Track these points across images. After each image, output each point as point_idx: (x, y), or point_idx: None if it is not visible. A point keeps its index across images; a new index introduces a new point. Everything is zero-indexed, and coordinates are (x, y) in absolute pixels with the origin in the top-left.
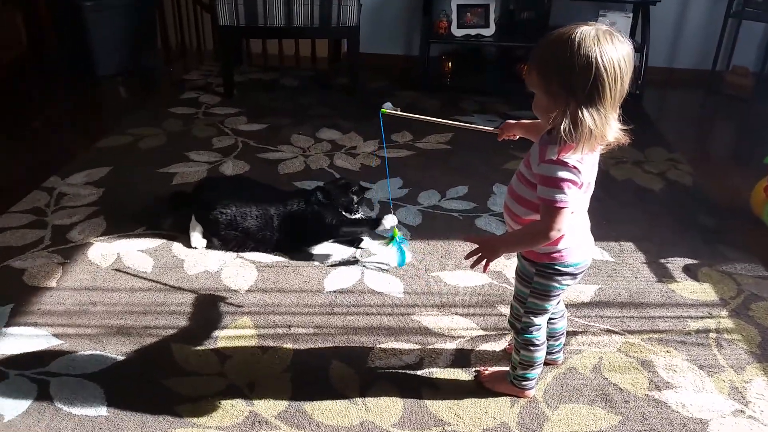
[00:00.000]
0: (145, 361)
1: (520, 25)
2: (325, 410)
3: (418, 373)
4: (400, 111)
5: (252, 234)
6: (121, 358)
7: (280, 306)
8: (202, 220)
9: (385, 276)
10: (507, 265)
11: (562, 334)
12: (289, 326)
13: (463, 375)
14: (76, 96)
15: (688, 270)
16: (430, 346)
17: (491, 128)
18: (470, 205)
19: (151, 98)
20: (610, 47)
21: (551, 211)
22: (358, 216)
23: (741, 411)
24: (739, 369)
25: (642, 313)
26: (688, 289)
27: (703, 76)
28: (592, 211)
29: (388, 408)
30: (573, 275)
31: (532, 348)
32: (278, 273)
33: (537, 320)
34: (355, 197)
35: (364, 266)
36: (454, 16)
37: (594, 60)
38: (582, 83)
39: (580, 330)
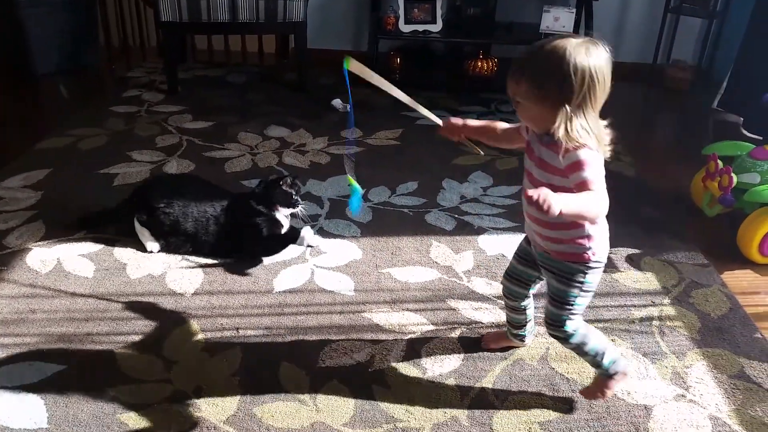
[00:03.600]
0: (88, 369)
1: (466, 21)
2: (275, 413)
3: (369, 370)
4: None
5: (190, 236)
6: (62, 367)
7: (228, 308)
8: (146, 223)
9: (335, 274)
10: (456, 260)
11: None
12: (237, 329)
13: (414, 371)
14: (13, 96)
15: (630, 260)
16: (381, 343)
17: (438, 120)
18: (420, 200)
19: (92, 97)
20: (598, 58)
21: (593, 186)
22: (300, 208)
23: (682, 395)
24: (680, 355)
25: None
26: (631, 278)
27: (645, 70)
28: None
29: (339, 407)
30: (603, 265)
31: (588, 342)
32: (225, 274)
33: (576, 320)
34: (293, 192)
35: (314, 266)
36: (401, 12)
37: (588, 72)
38: (577, 91)
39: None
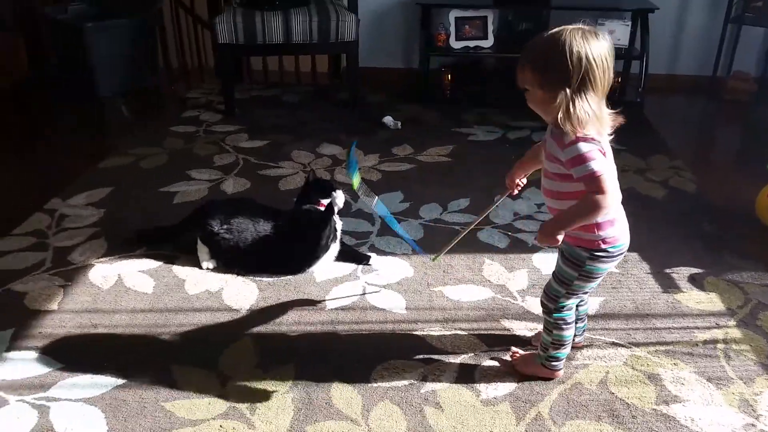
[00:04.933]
0: (146, 383)
1: (518, 36)
2: None
3: (422, 391)
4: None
5: (248, 258)
6: (121, 381)
7: (282, 324)
8: (206, 242)
9: (387, 292)
10: (510, 278)
11: (587, 315)
12: (291, 345)
13: (467, 393)
14: (77, 117)
15: (693, 279)
16: (434, 363)
17: (500, 197)
18: (472, 218)
19: (152, 117)
20: (596, 43)
21: (594, 181)
22: (339, 195)
23: (752, 425)
24: (748, 381)
25: (648, 325)
26: (694, 299)
27: (704, 82)
28: None
29: (391, 428)
30: (618, 256)
31: (564, 326)
32: (279, 291)
33: (571, 301)
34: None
35: (366, 284)
36: (452, 29)
37: (584, 54)
38: (575, 75)
39: (585, 343)
